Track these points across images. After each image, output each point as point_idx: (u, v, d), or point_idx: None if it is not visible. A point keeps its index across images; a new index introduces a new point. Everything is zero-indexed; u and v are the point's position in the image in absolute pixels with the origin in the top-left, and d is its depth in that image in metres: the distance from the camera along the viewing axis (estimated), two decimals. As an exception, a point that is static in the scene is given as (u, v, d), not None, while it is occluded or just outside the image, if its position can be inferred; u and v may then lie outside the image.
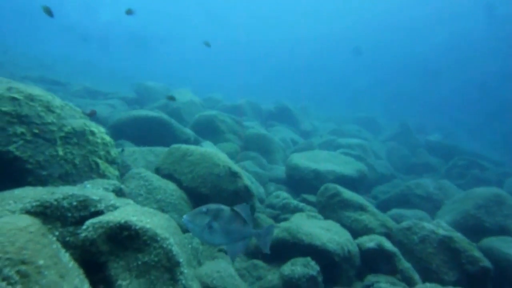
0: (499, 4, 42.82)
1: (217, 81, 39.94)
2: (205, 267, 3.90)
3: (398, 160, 13.34)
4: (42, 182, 4.19)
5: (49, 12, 6.87)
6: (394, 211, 6.64)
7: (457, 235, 4.88)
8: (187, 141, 8.52)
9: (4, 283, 2.11)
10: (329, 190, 5.84)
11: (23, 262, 2.26)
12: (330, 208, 5.68)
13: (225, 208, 2.85)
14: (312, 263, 3.90)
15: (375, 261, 4.48)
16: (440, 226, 5.13)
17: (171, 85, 19.51)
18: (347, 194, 5.70)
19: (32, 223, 2.55)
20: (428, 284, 3.58)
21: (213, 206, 2.84)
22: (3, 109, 4.20)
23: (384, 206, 7.42)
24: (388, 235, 5.13)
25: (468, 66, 48.26)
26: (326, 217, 5.49)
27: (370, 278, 4.21)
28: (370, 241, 4.62)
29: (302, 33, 64.76)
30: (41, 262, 2.35)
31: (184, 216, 2.75)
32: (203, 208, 2.81)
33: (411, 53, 55.41)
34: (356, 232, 5.16)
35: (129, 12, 8.38)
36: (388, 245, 4.56)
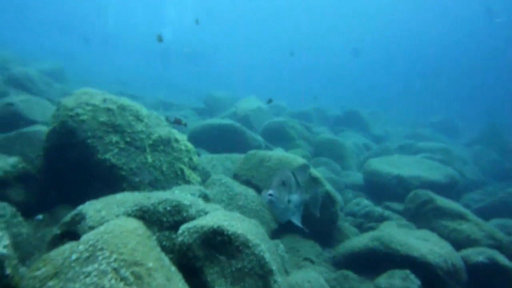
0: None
1: (276, 89, 40.10)
2: (294, 276, 3.78)
3: (487, 165, 12.08)
4: (134, 188, 4.42)
5: (160, 39, 7.57)
6: (496, 221, 5.92)
7: None
8: (258, 147, 8.56)
9: (121, 284, 2.18)
10: (419, 196, 5.40)
11: (136, 264, 2.33)
12: (422, 217, 5.24)
13: (290, 174, 2.62)
14: (412, 276, 3.57)
15: (488, 278, 3.97)
16: None
17: (234, 93, 19.94)
18: (442, 201, 5.22)
19: (138, 225, 2.65)
20: None
21: (284, 174, 2.56)
22: (101, 119, 4.53)
23: (479, 216, 6.71)
24: (498, 248, 4.53)
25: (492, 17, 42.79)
26: (418, 227, 5.07)
27: (483, 298, 3.75)
28: (478, 255, 4.10)
29: (359, 36, 62.75)
30: (150, 264, 2.41)
31: (271, 192, 2.37)
32: (279, 178, 2.49)
33: (487, 48, 50.82)
34: (457, 243, 4.62)
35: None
36: (502, 259, 3.99)
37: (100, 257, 2.35)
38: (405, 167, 7.28)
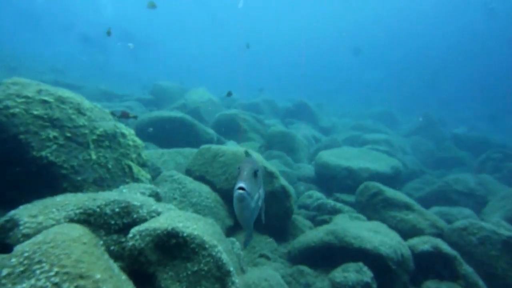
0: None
1: (226, 80, 39.76)
2: (250, 274, 3.71)
3: (424, 154, 12.92)
4: (77, 187, 4.04)
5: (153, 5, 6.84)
6: (436, 209, 6.33)
7: None
8: (210, 141, 8.36)
9: (63, 301, 1.94)
10: (369, 189, 5.58)
11: (81, 277, 2.09)
12: (371, 208, 5.43)
13: (259, 164, 2.15)
14: (365, 268, 3.66)
15: (432, 265, 4.20)
16: (501, 225, 4.82)
17: (183, 84, 19.34)
18: (390, 192, 5.44)
19: (84, 233, 2.39)
20: None
21: (255, 164, 2.09)
22: (35, 112, 4.06)
23: (420, 204, 7.12)
24: (440, 236, 4.83)
25: (481, 57, 47.38)
26: (368, 218, 5.24)
27: (429, 285, 3.94)
28: (423, 243, 4.33)
29: (307, 29, 64.11)
30: (98, 276, 2.17)
31: (241, 184, 1.84)
32: (250, 168, 2.00)
33: (421, 46, 54.54)
34: (403, 233, 4.88)
35: (151, 5, 8.17)
36: (445, 247, 4.25)
37: (38, 272, 2.07)
38: (353, 159, 7.51)
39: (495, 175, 9.69)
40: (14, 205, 3.40)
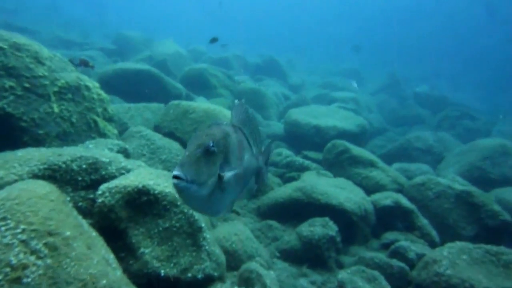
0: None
1: (194, 32, 38.06)
2: (220, 229, 3.80)
3: (388, 113, 13.36)
4: (39, 141, 3.85)
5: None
6: (397, 165, 6.67)
7: (475, 190, 4.88)
8: (179, 96, 8.13)
9: (33, 257, 1.91)
10: (337, 147, 5.75)
11: (49, 234, 2.05)
12: (338, 165, 5.63)
13: (230, 130, 1.64)
14: (331, 223, 3.87)
15: (391, 218, 4.50)
16: (455, 180, 5.18)
17: (148, 34, 18.28)
18: (356, 150, 5.64)
19: (51, 190, 2.30)
20: (456, 243, 3.58)
21: (216, 131, 1.55)
22: (-12, 59, 3.73)
23: (383, 161, 7.45)
24: (400, 191, 5.14)
25: (442, 12, 48.04)
26: (335, 175, 5.44)
27: (388, 236, 4.25)
28: (385, 199, 4.61)
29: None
30: (68, 233, 2.14)
31: (176, 171, 1.35)
32: (197, 143, 1.47)
33: (384, 2, 54.00)
34: (367, 189, 5.14)
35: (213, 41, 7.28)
36: (405, 202, 4.57)
37: (3, 229, 2.00)
38: (322, 117, 7.64)
39: (451, 132, 10.25)
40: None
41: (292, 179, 5.37)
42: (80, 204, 3.07)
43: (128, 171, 3.40)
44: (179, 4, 55.72)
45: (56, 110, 4.07)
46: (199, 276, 2.91)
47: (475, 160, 6.38)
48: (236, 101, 1.89)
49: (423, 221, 4.47)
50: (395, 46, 44.29)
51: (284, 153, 6.24)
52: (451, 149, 7.86)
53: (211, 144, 1.49)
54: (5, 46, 3.92)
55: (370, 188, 5.23)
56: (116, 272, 2.32)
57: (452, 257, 3.35)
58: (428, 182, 5.08)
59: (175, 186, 1.35)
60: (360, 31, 50.01)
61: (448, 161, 6.94)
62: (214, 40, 7.22)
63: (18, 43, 4.07)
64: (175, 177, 1.35)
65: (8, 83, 3.79)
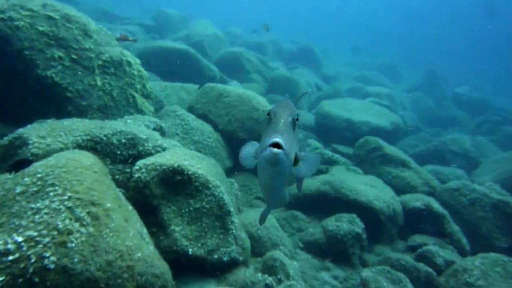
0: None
1: (231, 13, 37.89)
2: (246, 215, 3.87)
3: (423, 112, 12.91)
4: (81, 112, 4.00)
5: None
6: (430, 167, 6.46)
7: None
8: (213, 78, 8.19)
9: (77, 224, 2.01)
10: (369, 143, 5.65)
11: (92, 204, 2.15)
12: (369, 162, 5.53)
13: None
14: (358, 220, 3.85)
15: (420, 221, 4.42)
16: (493, 189, 5.00)
17: (186, 12, 18.33)
18: (389, 148, 5.52)
19: (95, 161, 2.41)
20: (490, 254, 3.47)
21: (290, 110, 1.48)
22: (40, 28, 3.87)
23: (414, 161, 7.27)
24: (432, 195, 5.01)
25: (493, 14, 45.53)
26: (365, 172, 5.37)
27: (415, 238, 4.18)
28: (416, 200, 4.52)
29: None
30: (108, 204, 2.24)
31: (278, 139, 1.25)
32: (288, 113, 1.42)
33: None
34: (398, 189, 5.07)
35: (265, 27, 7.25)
36: (436, 206, 4.47)
37: (52, 194, 2.11)
38: (355, 111, 7.50)
39: (490, 138, 9.81)
40: (17, 122, 3.38)
41: (320, 172, 5.34)
42: (117, 177, 3.19)
43: (164, 149, 3.50)
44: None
45: (99, 83, 4.21)
46: (225, 258, 2.99)
47: None
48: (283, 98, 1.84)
49: (454, 228, 4.33)
50: (437, 43, 42.49)
51: (313, 144, 6.20)
52: (488, 155, 7.54)
53: (297, 117, 1.48)
54: (57, 17, 4.06)
55: (401, 188, 5.13)
56: (149, 247, 2.42)
57: (485, 268, 3.27)
58: (463, 188, 4.92)
59: (275, 155, 1.24)
60: (400, 25, 48.25)
61: (484, 167, 6.65)
62: (266, 27, 7.13)
63: (69, 15, 4.20)
64: (275, 144, 1.24)
65: (58, 53, 3.94)
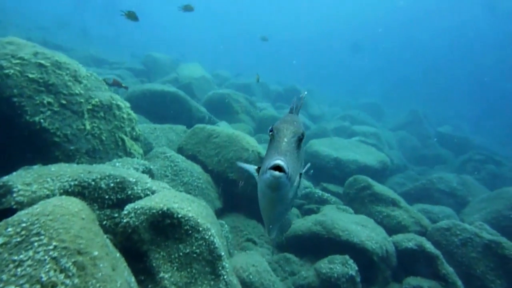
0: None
1: (219, 56, 39.03)
2: (238, 259, 3.77)
3: (408, 150, 13.16)
4: (69, 157, 3.97)
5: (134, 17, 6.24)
6: (420, 206, 6.49)
7: (506, 241, 4.66)
8: (202, 119, 8.29)
9: (62, 276, 1.93)
10: (359, 182, 5.68)
11: (79, 253, 2.07)
12: (359, 201, 5.54)
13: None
14: (351, 261, 3.77)
15: (414, 262, 4.35)
16: (483, 229, 4.99)
17: (174, 56, 18.82)
18: (378, 187, 5.55)
19: (82, 207, 2.35)
20: None
21: (296, 127, 1.39)
22: (30, 75, 3.92)
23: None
24: (423, 234, 4.98)
25: (468, 57, 48.00)
26: (355, 211, 5.36)
27: (410, 281, 4.09)
28: (408, 241, 4.47)
29: (301, 14, 63.20)
30: (95, 253, 2.16)
31: (279, 161, 1.16)
32: (293, 130, 1.34)
33: (412, 41, 54.56)
34: (389, 228, 5.03)
35: (188, 8, 7.68)
36: (429, 246, 4.41)
37: (36, 244, 2.04)
38: (342, 150, 7.61)
39: (475, 176, 10.00)
40: (2, 170, 3.32)
41: (311, 211, 5.31)
42: (105, 222, 3.11)
43: (153, 192, 3.45)
44: (207, 32, 57.37)
45: (88, 127, 4.21)
46: (216, 306, 2.87)
47: (503, 209, 6.07)
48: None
49: (448, 269, 4.25)
50: (419, 84, 44.25)
51: (303, 183, 6.20)
52: (475, 193, 7.63)
53: (303, 134, 1.35)
54: (48, 64, 4.12)
55: (392, 228, 5.10)
56: (137, 296, 2.32)
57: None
58: (453, 228, 4.90)
59: (277, 180, 1.13)
60: (383, 66, 50.33)
61: (473, 206, 6.70)
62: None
63: (59, 62, 4.27)
64: (276, 167, 1.12)
65: (47, 99, 3.96)
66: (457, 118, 27.82)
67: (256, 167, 1.66)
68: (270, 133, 1.40)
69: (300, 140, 1.36)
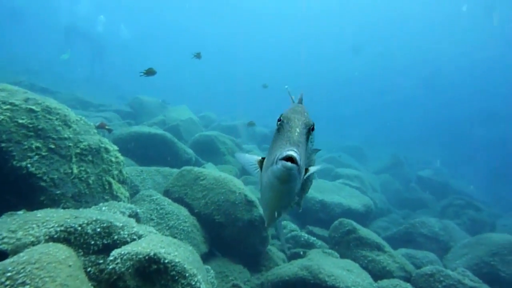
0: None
1: (205, 98, 39.80)
2: (225, 304, 3.70)
3: (391, 194, 13.39)
4: (54, 201, 3.94)
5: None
6: (403, 251, 6.53)
7: None
8: (189, 161, 8.35)
9: (46, 327, 1.90)
10: (344, 225, 5.73)
11: (64, 302, 2.06)
12: (344, 245, 5.56)
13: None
14: (338, 307, 3.76)
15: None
16: (466, 275, 5.05)
17: (161, 98, 19.11)
18: (363, 231, 5.60)
19: (70, 255, 2.36)
20: None
21: (305, 118, 1.34)
22: (20, 121, 3.98)
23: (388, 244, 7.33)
24: (408, 280, 5.00)
25: (447, 104, 50.05)
26: (340, 254, 5.37)
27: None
28: (393, 287, 4.47)
29: (284, 55, 65.49)
30: (81, 302, 2.14)
31: (291, 151, 1.14)
32: (303, 121, 1.30)
33: (391, 85, 56.80)
34: (373, 273, 5.01)
35: (198, 56, 8.15)
36: (415, 293, 4.43)
37: (21, 293, 2.02)
38: (327, 193, 7.71)
39: (456, 221, 10.20)
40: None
41: (297, 255, 5.30)
42: (89, 269, 3.06)
43: (140, 236, 3.43)
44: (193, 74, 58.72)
45: (75, 171, 4.23)
46: None
47: (484, 255, 6.14)
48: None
49: (434, 318, 4.27)
50: (399, 128, 45.69)
51: (289, 226, 6.22)
52: (456, 239, 7.74)
53: (312, 125, 1.29)
54: (38, 109, 4.21)
55: (377, 273, 5.10)
56: None
57: None
58: (437, 274, 4.93)
59: (287, 171, 1.08)
60: (365, 111, 52.00)
61: (455, 252, 6.76)
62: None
63: (50, 107, 4.36)
64: (288, 158, 1.07)
65: (35, 143, 4.00)
66: (438, 163, 28.58)
67: (258, 157, 1.60)
68: (279, 122, 1.34)
69: (309, 132, 1.31)
